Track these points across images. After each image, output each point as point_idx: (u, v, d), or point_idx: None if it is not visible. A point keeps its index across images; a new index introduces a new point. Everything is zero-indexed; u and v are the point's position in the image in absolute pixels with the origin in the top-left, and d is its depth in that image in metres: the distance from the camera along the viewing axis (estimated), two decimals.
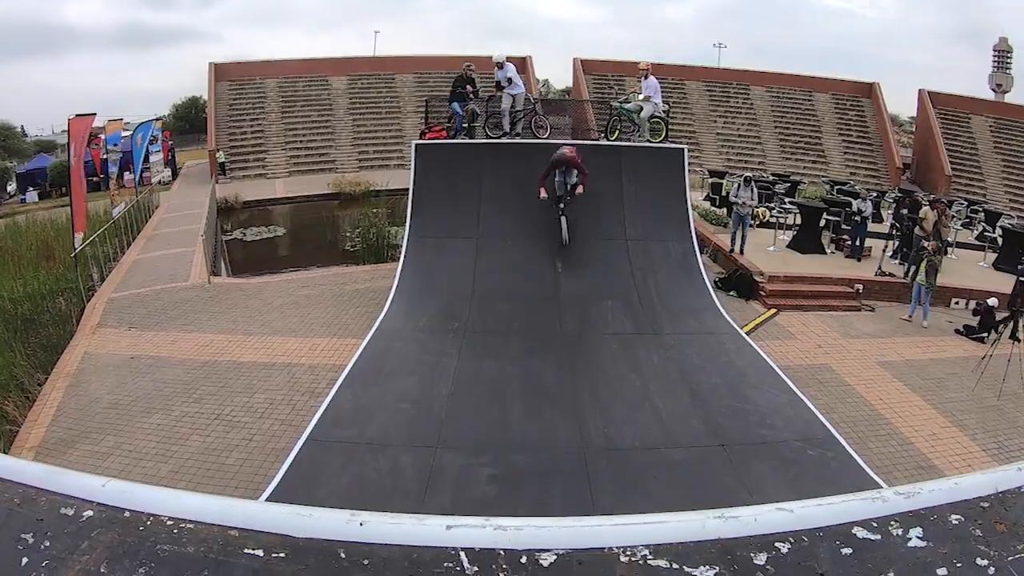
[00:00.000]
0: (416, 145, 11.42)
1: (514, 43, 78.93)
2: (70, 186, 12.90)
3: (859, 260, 12.52)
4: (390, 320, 8.90)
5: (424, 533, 1.00)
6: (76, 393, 7.70)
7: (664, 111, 12.11)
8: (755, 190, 12.88)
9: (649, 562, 0.95)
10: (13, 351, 8.81)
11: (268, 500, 5.00)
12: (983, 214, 16.44)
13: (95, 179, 20.83)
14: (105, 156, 18.93)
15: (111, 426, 6.91)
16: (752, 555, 0.97)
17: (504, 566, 0.94)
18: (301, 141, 30.04)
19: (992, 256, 13.21)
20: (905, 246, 12.15)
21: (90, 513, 1.04)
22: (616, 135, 11.85)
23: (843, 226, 13.30)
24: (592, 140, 12.53)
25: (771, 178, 20.22)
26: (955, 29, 79.45)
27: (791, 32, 76.89)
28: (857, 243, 12.72)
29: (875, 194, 16.91)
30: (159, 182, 27.37)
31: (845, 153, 30.82)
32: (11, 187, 31.89)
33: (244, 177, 27.62)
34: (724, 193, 16.58)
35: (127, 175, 20.52)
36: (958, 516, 1.03)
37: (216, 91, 30.27)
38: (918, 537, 0.99)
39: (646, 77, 11.33)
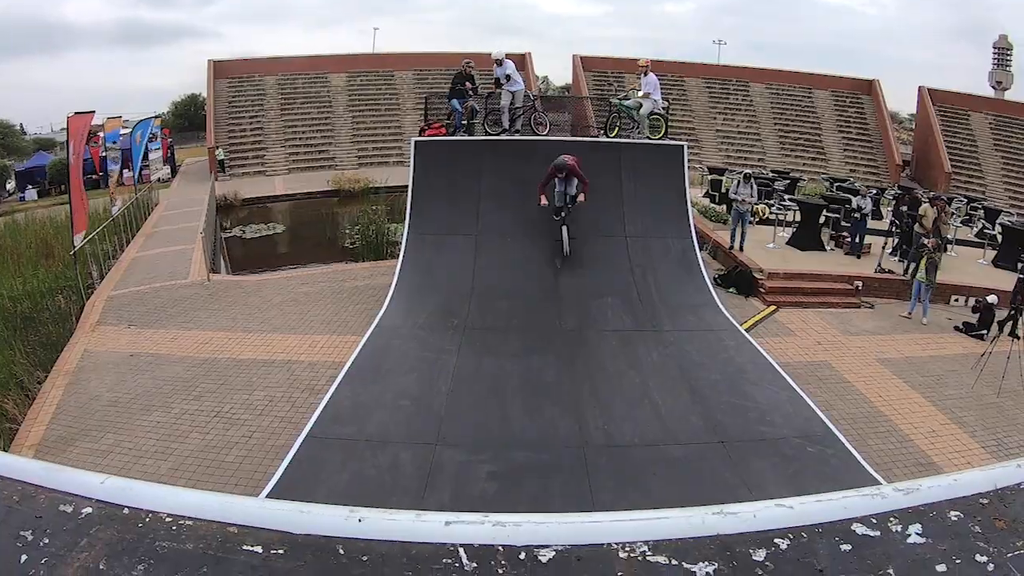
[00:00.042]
0: (415, 142, 11.37)
1: (513, 40, 78.57)
2: (69, 184, 12.84)
3: (859, 257, 12.52)
4: (389, 317, 8.89)
5: (423, 529, 0.99)
6: (76, 391, 7.69)
7: (664, 108, 12.09)
8: (755, 187, 12.85)
9: (648, 558, 0.95)
10: (13, 349, 8.81)
11: (268, 497, 5.01)
12: (983, 211, 16.45)
13: (94, 177, 20.81)
14: (104, 154, 18.90)
15: (111, 424, 6.90)
16: (751, 551, 0.96)
17: (503, 562, 0.94)
18: (300, 138, 30.01)
19: (992, 253, 13.22)
20: (905, 243, 12.15)
21: (89, 510, 1.04)
22: (616, 132, 11.79)
23: (843, 223, 13.27)
24: (591, 137, 12.51)
25: (771, 175, 20.13)
26: (955, 26, 79.26)
27: (791, 29, 76.64)
28: (857, 240, 12.71)
29: (875, 191, 16.87)
30: (158, 180, 27.35)
31: (845, 150, 30.79)
32: (10, 185, 31.81)
33: (243, 174, 27.61)
34: (724, 190, 16.54)
35: (126, 172, 20.49)
36: (957, 513, 1.03)
37: (215, 88, 30.22)
38: (917, 534, 0.99)
39: (645, 74, 11.30)
